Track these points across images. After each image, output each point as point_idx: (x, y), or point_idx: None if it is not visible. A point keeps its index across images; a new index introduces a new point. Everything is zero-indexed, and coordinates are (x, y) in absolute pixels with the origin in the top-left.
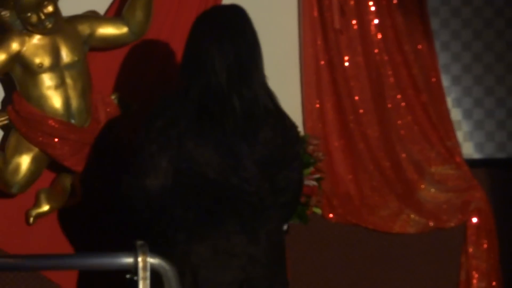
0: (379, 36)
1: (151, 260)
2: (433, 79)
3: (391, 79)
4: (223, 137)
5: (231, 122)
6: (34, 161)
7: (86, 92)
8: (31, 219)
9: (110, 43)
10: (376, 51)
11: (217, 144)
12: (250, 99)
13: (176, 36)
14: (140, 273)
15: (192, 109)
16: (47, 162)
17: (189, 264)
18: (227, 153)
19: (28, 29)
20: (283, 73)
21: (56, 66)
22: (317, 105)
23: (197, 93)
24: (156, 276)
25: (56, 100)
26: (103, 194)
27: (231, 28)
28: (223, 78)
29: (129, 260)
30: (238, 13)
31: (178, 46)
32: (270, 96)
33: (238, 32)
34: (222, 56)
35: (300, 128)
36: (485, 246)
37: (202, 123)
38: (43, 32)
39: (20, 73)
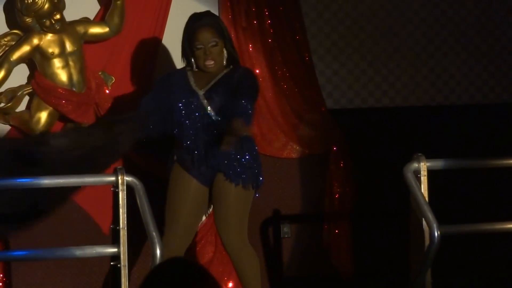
0: (271, 30)
1: (126, 178)
2: (306, 58)
3: (280, 58)
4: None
5: None
6: (49, 115)
7: (82, 70)
8: None
9: (97, 39)
10: (270, 40)
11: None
12: None
13: (140, 32)
14: (120, 186)
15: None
16: (58, 116)
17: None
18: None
19: (44, 30)
20: None
21: (62, 54)
22: None
23: None
24: None
25: (63, 76)
26: None
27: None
28: None
29: (112, 178)
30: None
31: (142, 39)
32: None
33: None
34: None
35: None
36: (342, 165)
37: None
38: (53, 31)
39: (39, 59)
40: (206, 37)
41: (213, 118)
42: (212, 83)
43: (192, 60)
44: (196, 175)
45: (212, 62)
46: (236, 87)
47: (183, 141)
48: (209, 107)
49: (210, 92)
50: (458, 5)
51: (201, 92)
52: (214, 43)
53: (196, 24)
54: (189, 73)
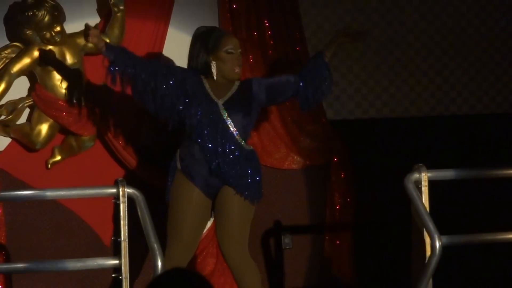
0: (272, 42)
1: (127, 190)
2: None
3: (280, 69)
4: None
5: None
6: (50, 128)
7: (82, 82)
8: (49, 166)
9: (97, 51)
10: (270, 51)
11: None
12: None
13: (140, 44)
14: (121, 198)
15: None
16: (58, 128)
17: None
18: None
19: (44, 42)
20: None
21: None
22: None
23: None
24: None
25: (63, 88)
26: None
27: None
28: None
29: (113, 190)
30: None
31: (142, 51)
32: None
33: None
34: None
35: None
36: (343, 176)
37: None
38: (54, 44)
39: (40, 71)
40: (237, 44)
41: (231, 129)
42: (230, 94)
43: (213, 65)
44: (201, 186)
45: (239, 70)
46: (269, 88)
47: (198, 150)
48: (228, 118)
49: (229, 103)
50: (458, 15)
51: (220, 102)
52: (240, 52)
53: (220, 32)
54: (204, 80)
